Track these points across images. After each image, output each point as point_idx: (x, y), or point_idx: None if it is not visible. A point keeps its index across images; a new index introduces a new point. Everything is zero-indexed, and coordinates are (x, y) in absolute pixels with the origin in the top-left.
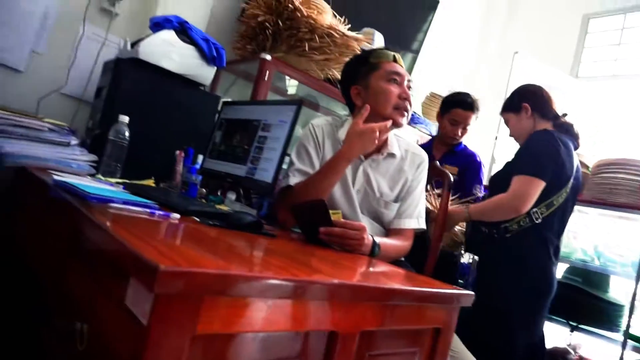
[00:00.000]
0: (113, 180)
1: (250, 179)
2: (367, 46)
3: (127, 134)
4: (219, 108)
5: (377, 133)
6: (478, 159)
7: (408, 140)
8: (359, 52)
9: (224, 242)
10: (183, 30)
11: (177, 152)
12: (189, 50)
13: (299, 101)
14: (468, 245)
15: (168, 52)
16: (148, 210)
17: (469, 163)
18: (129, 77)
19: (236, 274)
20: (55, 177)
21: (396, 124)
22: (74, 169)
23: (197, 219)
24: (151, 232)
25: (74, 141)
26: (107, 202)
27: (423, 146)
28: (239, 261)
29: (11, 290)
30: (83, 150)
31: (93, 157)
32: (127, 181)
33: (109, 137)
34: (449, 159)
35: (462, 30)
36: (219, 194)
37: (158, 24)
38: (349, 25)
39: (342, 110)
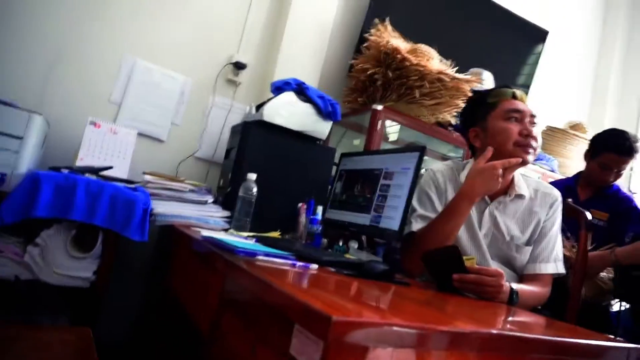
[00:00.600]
0: (244, 234)
1: (376, 227)
2: (477, 87)
3: (254, 190)
4: (336, 160)
5: (500, 171)
6: (634, 203)
7: (537, 180)
8: (469, 94)
9: (367, 291)
10: (301, 90)
11: (300, 204)
12: (307, 108)
13: (422, 148)
14: (618, 293)
15: (289, 112)
16: (289, 261)
17: (623, 209)
18: (255, 138)
19: (403, 324)
20: (204, 233)
21: (522, 162)
22: (211, 224)
23: (332, 269)
24: (303, 283)
25: (209, 199)
26: (252, 255)
27: (563, 183)
28: (393, 311)
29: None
30: (218, 207)
31: (226, 213)
32: (257, 234)
33: (239, 194)
34: (598, 202)
35: (577, 60)
36: (341, 243)
37: (279, 88)
38: (457, 68)
39: (452, 153)
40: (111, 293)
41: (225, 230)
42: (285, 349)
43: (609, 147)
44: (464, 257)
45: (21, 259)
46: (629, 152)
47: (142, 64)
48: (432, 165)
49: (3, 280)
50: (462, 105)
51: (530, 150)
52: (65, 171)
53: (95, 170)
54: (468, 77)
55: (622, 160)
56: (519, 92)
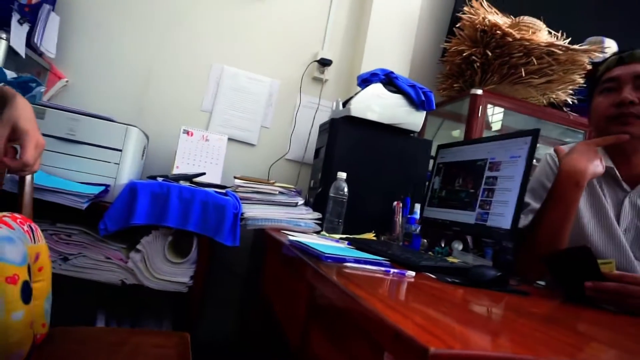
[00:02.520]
0: (336, 236)
1: (483, 225)
2: (599, 57)
3: (345, 189)
4: (433, 153)
5: (596, 148)
6: None
7: None
8: (588, 67)
9: (475, 305)
10: (389, 80)
11: (395, 203)
12: (397, 99)
13: (535, 131)
14: None
15: (378, 105)
16: (382, 268)
17: None
18: (344, 135)
19: (523, 357)
20: (291, 237)
21: (630, 136)
22: (302, 227)
23: (433, 276)
24: (396, 296)
25: (300, 201)
26: (341, 262)
27: None
28: (510, 333)
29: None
30: (308, 209)
31: (317, 215)
32: (350, 236)
33: (330, 195)
34: None
35: None
36: (442, 244)
37: (366, 80)
38: (570, 39)
39: (569, 138)
40: (210, 297)
41: (317, 232)
42: None
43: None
44: (600, 261)
45: (125, 265)
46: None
47: (230, 70)
48: (551, 150)
49: (112, 285)
50: (580, 80)
51: (630, 121)
52: (161, 179)
53: (189, 177)
54: (585, 47)
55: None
56: (632, 54)
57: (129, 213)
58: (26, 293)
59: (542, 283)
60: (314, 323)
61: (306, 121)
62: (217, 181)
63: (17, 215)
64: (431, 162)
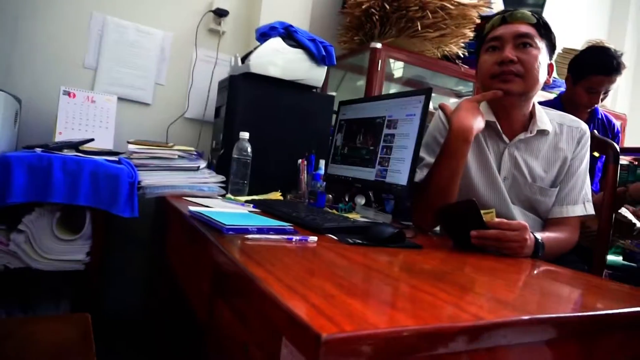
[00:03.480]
0: (242, 199)
1: (382, 182)
2: (486, 12)
3: (249, 150)
4: (335, 108)
5: (476, 104)
6: (617, 127)
7: (561, 113)
8: (477, 21)
9: (374, 269)
10: (289, 34)
11: (300, 160)
12: (298, 54)
13: (428, 90)
14: None
15: (277, 60)
16: (285, 237)
17: (609, 133)
18: (244, 93)
19: (410, 330)
20: (191, 208)
21: (505, 93)
22: (206, 192)
23: (335, 237)
24: (295, 270)
25: (202, 164)
26: (243, 233)
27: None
28: (401, 303)
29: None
30: (211, 172)
31: (221, 178)
32: (256, 197)
33: (233, 156)
34: None
35: None
36: (346, 199)
37: (264, 34)
38: None
39: (461, 86)
40: (112, 272)
41: (222, 196)
42: (276, 357)
43: (596, 69)
44: (483, 212)
45: (7, 248)
46: (617, 70)
47: (114, 20)
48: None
49: None
50: (470, 34)
51: (510, 78)
52: (39, 150)
53: (74, 145)
54: (474, 1)
55: (609, 80)
56: (509, 13)
57: (2, 191)
58: None
59: (437, 230)
60: (219, 299)
61: (204, 77)
62: (109, 147)
63: None
64: (334, 117)
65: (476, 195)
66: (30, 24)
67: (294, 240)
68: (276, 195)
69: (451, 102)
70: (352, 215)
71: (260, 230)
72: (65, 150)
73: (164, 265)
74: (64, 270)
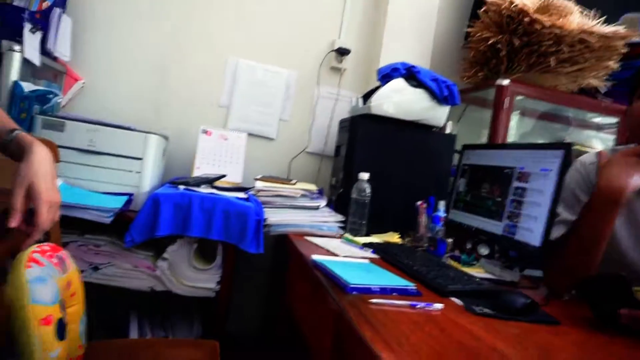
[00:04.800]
0: (360, 240)
1: (510, 239)
2: (636, 39)
3: (368, 190)
4: (457, 147)
5: (636, 157)
6: None
7: None
8: (623, 51)
9: (506, 357)
10: (411, 75)
11: (419, 203)
12: (419, 94)
13: (567, 145)
14: None
15: (398, 101)
16: (408, 302)
17: None
18: (364, 134)
19: None
20: (314, 257)
21: None
22: (325, 231)
23: (460, 302)
24: (424, 354)
25: (322, 204)
26: (366, 293)
27: None
28: None
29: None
30: (331, 211)
31: (340, 218)
32: (374, 240)
33: (352, 197)
34: None
35: None
36: (468, 247)
37: (386, 76)
38: (604, 17)
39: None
40: (235, 300)
41: (340, 236)
42: None
43: None
44: (635, 288)
45: (153, 272)
46: None
47: (245, 62)
48: (582, 157)
49: (142, 292)
50: (614, 66)
51: None
52: (182, 188)
53: (210, 181)
54: (621, 30)
55: None
56: None
57: (153, 224)
58: (61, 330)
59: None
60: (339, 354)
61: (326, 113)
62: (239, 180)
63: (46, 247)
64: (455, 156)
65: (624, 263)
66: (175, 68)
67: (417, 307)
68: (394, 237)
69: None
70: (476, 270)
71: (383, 291)
72: (203, 186)
73: (283, 301)
74: (198, 297)
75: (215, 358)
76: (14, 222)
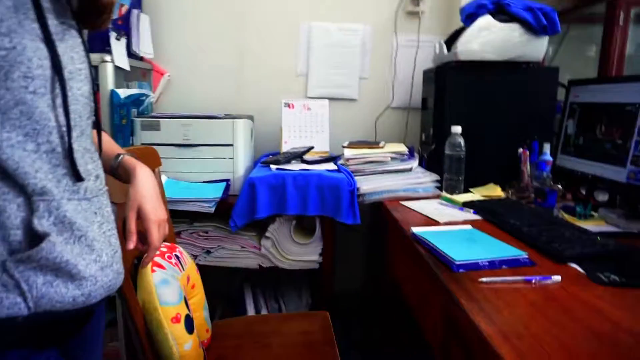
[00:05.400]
0: (459, 199)
1: (638, 187)
2: None
3: (462, 144)
4: (561, 79)
5: None
6: None
7: None
8: None
9: None
10: (500, 9)
11: (520, 150)
12: (512, 29)
13: None
14: None
15: (488, 41)
16: (522, 278)
17: None
18: (452, 83)
19: None
20: (415, 230)
21: None
22: (421, 193)
23: (581, 270)
24: (545, 341)
25: (414, 164)
26: (473, 269)
27: None
28: None
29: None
30: (424, 171)
31: (435, 177)
32: (474, 198)
33: (446, 152)
34: None
35: None
36: (582, 193)
37: (471, 15)
38: None
39: None
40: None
41: (438, 196)
42: None
43: None
44: None
45: (259, 251)
46: None
47: (317, 25)
48: None
49: (254, 270)
50: None
51: None
52: (274, 168)
53: (299, 155)
54: None
55: None
56: None
57: (252, 208)
58: (189, 325)
59: None
60: (453, 341)
61: (407, 63)
62: (326, 148)
63: (163, 248)
64: (560, 91)
65: None
66: (251, 44)
67: (533, 281)
68: (496, 191)
69: None
70: (595, 223)
71: (492, 265)
72: (293, 162)
73: (385, 272)
74: (303, 269)
75: (327, 328)
76: (132, 244)
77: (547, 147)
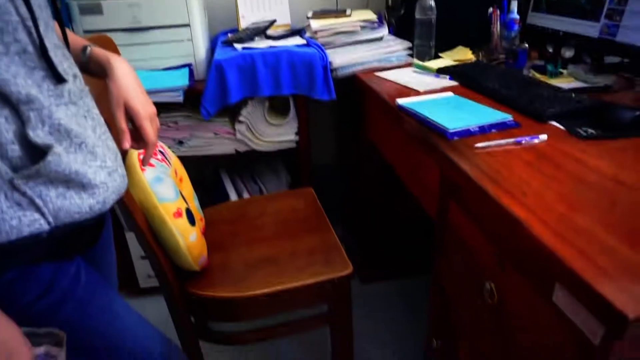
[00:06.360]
0: (432, 66)
1: (611, 41)
2: None
3: (433, 5)
4: None
5: None
6: None
7: None
8: None
9: (634, 188)
10: None
11: (490, 9)
12: None
13: None
14: None
15: None
16: (513, 140)
17: None
18: None
19: None
20: (400, 101)
21: None
22: (394, 62)
23: (561, 127)
24: (548, 200)
25: (385, 32)
26: (466, 135)
27: None
28: None
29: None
30: (395, 38)
31: (407, 44)
32: (447, 64)
33: (416, 17)
34: None
35: None
36: (549, 50)
37: None
38: None
39: None
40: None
41: (410, 65)
42: (546, 289)
43: None
44: None
45: (234, 136)
46: None
47: None
48: None
49: (228, 155)
50: None
51: None
52: (240, 47)
53: (262, 30)
54: None
55: None
56: None
57: (223, 92)
58: (190, 218)
59: None
60: (451, 200)
61: None
62: (287, 20)
63: None
64: None
65: None
66: None
67: (523, 142)
68: (466, 54)
69: None
70: (565, 81)
71: (482, 130)
72: (257, 39)
73: (364, 142)
74: (281, 149)
75: (314, 201)
76: (127, 143)
77: (514, 4)
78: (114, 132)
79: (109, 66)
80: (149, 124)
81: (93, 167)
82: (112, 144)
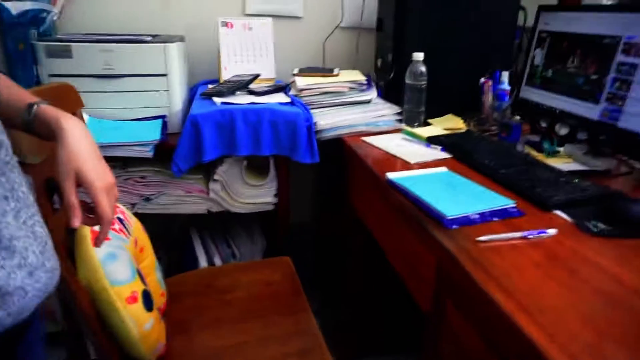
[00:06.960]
0: (423, 133)
1: (611, 126)
2: None
3: (424, 72)
4: (522, 5)
5: None
6: None
7: None
8: None
9: None
10: None
11: (482, 80)
12: None
13: None
14: None
15: None
16: (520, 235)
17: None
18: (414, 7)
19: None
20: (390, 176)
21: None
22: (382, 127)
23: (568, 218)
24: (565, 319)
25: (373, 95)
26: (465, 224)
27: None
28: None
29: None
30: (385, 103)
31: (396, 109)
32: (438, 133)
33: (407, 82)
34: None
35: None
36: (543, 126)
37: None
38: None
39: None
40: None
41: (399, 130)
42: None
43: None
44: None
45: (207, 195)
46: None
47: None
48: None
49: (200, 215)
50: None
51: None
52: (219, 102)
53: (245, 85)
54: None
55: None
56: None
57: (197, 149)
58: (147, 302)
59: None
60: (449, 300)
61: None
62: (272, 75)
63: None
64: (520, 15)
65: None
66: None
67: (530, 237)
68: (457, 123)
69: None
70: (562, 161)
71: (483, 217)
72: (238, 93)
73: (348, 209)
74: (258, 212)
75: (291, 275)
76: (77, 221)
77: (505, 76)
78: (63, 204)
79: (58, 128)
80: (105, 198)
81: (7, 269)
82: (40, 229)
